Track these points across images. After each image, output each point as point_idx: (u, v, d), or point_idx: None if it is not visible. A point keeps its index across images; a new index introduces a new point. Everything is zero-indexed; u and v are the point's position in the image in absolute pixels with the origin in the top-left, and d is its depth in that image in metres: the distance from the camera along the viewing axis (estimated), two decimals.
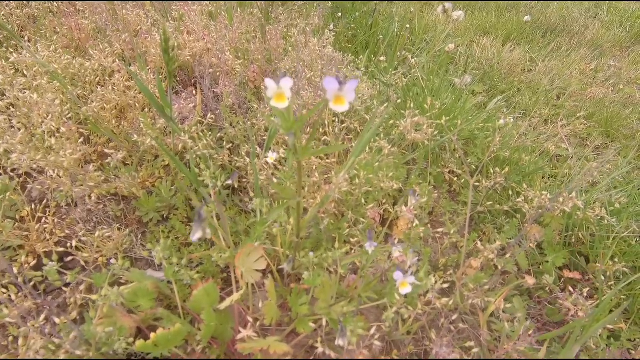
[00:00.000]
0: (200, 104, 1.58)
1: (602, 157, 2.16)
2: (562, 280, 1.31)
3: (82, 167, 1.44)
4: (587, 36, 3.99)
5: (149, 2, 2.14)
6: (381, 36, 2.71)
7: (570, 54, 3.55)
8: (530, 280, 1.29)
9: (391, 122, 1.50)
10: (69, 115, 1.29)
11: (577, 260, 1.35)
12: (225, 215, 1.02)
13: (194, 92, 1.95)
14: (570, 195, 1.27)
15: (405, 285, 0.72)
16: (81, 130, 1.49)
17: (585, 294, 1.03)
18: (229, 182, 0.94)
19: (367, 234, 0.79)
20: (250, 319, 0.85)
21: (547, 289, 1.22)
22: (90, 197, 1.23)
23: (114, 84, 1.55)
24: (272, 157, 1.09)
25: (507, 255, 1.08)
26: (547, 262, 1.31)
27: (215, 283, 0.89)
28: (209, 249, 1.12)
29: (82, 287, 0.91)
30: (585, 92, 2.92)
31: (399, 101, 1.65)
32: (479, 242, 1.10)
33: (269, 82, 0.60)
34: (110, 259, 1.21)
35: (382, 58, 2.27)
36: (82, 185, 1.18)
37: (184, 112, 1.54)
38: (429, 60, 2.79)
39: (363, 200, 1.20)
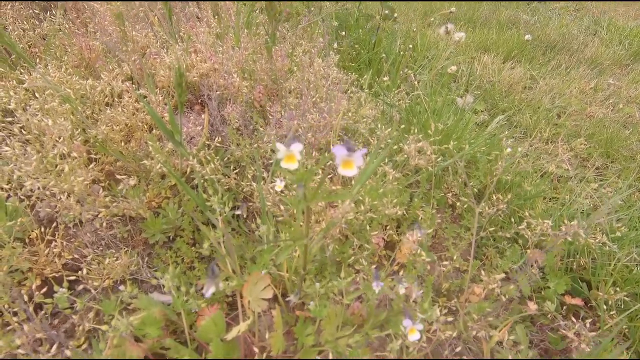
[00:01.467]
0: (207, 126, 1.61)
1: (602, 179, 2.18)
2: (564, 307, 1.32)
3: (90, 187, 1.46)
4: (587, 54, 4.05)
5: (157, 21, 2.19)
6: (384, 54, 2.76)
7: (570, 72, 3.60)
8: (532, 307, 1.30)
9: (395, 146, 1.52)
10: (79, 138, 1.31)
11: (579, 287, 1.36)
12: (232, 243, 1.04)
13: (201, 111, 1.98)
14: (572, 224, 1.28)
15: (413, 332, 0.73)
16: (90, 150, 1.51)
17: (587, 325, 1.04)
18: (238, 212, 0.96)
19: (374, 273, 0.80)
20: (257, 349, 0.86)
21: (549, 316, 1.23)
22: (98, 218, 1.25)
23: (123, 105, 1.58)
24: (279, 185, 1.11)
25: (512, 286, 1.09)
26: (549, 288, 1.32)
27: (221, 311, 0.90)
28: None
29: (90, 315, 0.92)
30: (585, 112, 2.95)
31: (403, 126, 1.68)
32: (482, 271, 1.11)
33: (279, 146, 0.63)
34: (118, 281, 1.23)
35: (385, 78, 2.31)
36: (90, 210, 1.20)
37: (192, 132, 1.56)
38: (430, 78, 2.83)
39: (367, 226, 1.22)
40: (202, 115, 1.72)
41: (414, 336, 0.73)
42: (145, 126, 1.59)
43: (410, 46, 2.87)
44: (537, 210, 1.67)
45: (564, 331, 1.08)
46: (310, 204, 0.69)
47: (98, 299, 1.10)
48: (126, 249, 1.34)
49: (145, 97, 1.55)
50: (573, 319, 1.07)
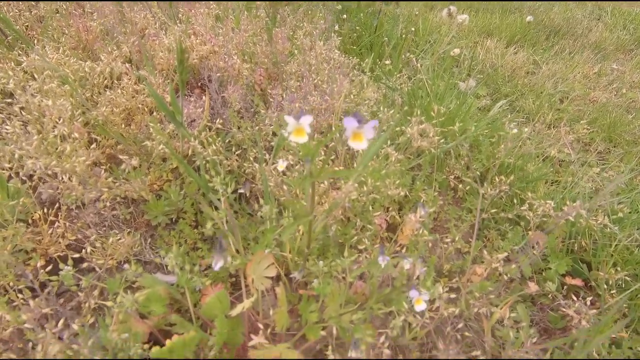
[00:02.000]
0: (208, 108, 1.59)
1: (604, 163, 2.17)
2: (565, 287, 1.33)
3: (92, 169, 1.46)
4: (591, 39, 4.00)
5: (155, 3, 2.15)
6: (386, 38, 2.72)
7: (574, 56, 3.56)
8: (533, 287, 1.31)
9: (397, 128, 1.52)
10: (79, 119, 1.30)
11: (579, 268, 1.37)
12: (236, 222, 1.04)
13: (201, 94, 1.96)
14: (574, 204, 1.28)
15: (420, 302, 0.74)
16: (90, 132, 1.50)
17: (588, 302, 1.05)
18: (241, 190, 0.96)
19: (380, 249, 0.81)
20: (261, 325, 0.87)
21: (550, 296, 1.24)
22: (101, 200, 1.25)
23: (123, 87, 1.56)
24: (281, 165, 1.11)
25: (513, 266, 1.10)
26: (550, 268, 1.33)
27: (225, 289, 0.91)
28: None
29: (95, 292, 0.93)
30: (589, 96, 2.93)
31: (405, 108, 1.67)
32: (484, 251, 1.12)
33: (288, 118, 0.61)
34: (122, 261, 1.23)
35: (387, 62, 2.28)
36: (92, 190, 1.20)
37: (193, 115, 1.55)
38: (433, 62, 2.80)
39: (370, 207, 1.22)
40: (203, 98, 1.70)
41: (420, 306, 0.74)
42: (145, 109, 1.58)
43: (412, 29, 2.83)
44: (538, 193, 1.67)
45: (564, 310, 1.09)
46: (317, 180, 0.68)
47: (103, 278, 1.11)
48: (129, 230, 1.35)
49: (144, 79, 1.54)
50: (574, 297, 1.08)
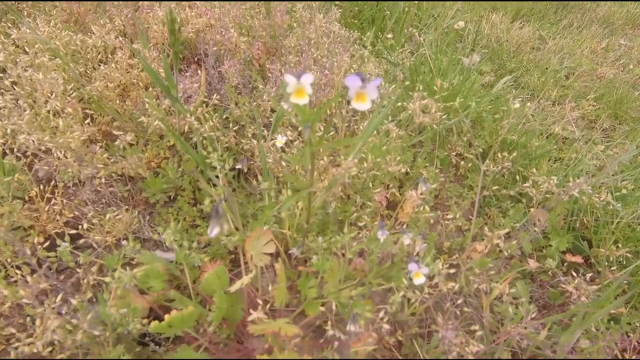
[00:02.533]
0: (205, 83, 1.55)
1: (609, 141, 2.14)
2: (565, 264, 1.33)
3: (88, 146, 1.44)
4: (599, 13, 3.87)
5: None
6: (388, 12, 2.63)
7: (582, 31, 3.46)
8: (533, 264, 1.31)
9: (399, 104, 1.48)
10: (73, 94, 1.27)
11: (580, 245, 1.36)
12: (234, 199, 1.02)
13: (198, 69, 1.91)
14: (578, 181, 1.27)
15: (419, 275, 0.73)
16: (85, 109, 1.47)
17: (587, 279, 1.04)
18: (239, 166, 0.94)
19: (379, 223, 0.79)
20: (260, 301, 0.87)
21: (550, 272, 1.24)
22: (98, 177, 1.23)
23: (117, 61, 1.52)
24: (280, 140, 1.09)
25: (514, 242, 1.09)
26: (551, 246, 1.32)
27: (224, 266, 0.90)
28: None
29: (94, 269, 0.92)
30: (595, 72, 2.86)
31: (407, 83, 1.62)
32: (485, 228, 1.11)
33: (288, 77, 0.58)
34: (120, 239, 1.23)
35: (389, 36, 2.21)
36: (88, 166, 1.18)
37: (189, 91, 1.51)
38: (436, 37, 2.72)
39: (370, 184, 1.20)
40: (199, 73, 1.66)
41: (419, 280, 0.73)
42: (140, 84, 1.54)
43: (416, 2, 2.73)
44: (541, 171, 1.64)
45: (563, 286, 1.09)
46: (317, 149, 0.66)
47: (101, 255, 1.10)
48: (127, 207, 1.34)
49: (138, 53, 1.49)
50: (573, 273, 1.07)
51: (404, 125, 1.46)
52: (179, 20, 1.75)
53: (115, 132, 1.52)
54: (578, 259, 1.33)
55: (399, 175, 1.30)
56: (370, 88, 0.56)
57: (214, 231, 0.69)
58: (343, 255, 0.96)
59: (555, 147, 1.84)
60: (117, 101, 1.47)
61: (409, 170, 1.34)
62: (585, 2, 4.08)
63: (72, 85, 1.24)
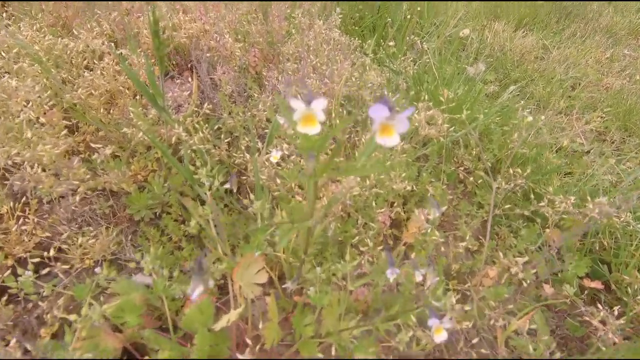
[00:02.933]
0: (197, 92, 1.46)
1: (620, 154, 2.05)
2: (583, 291, 1.23)
3: (69, 158, 1.34)
4: (602, 22, 3.82)
5: None
6: (389, 19, 2.56)
7: (585, 40, 3.40)
8: (548, 290, 1.20)
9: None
10: (50, 102, 1.17)
11: (599, 269, 1.26)
12: (222, 222, 0.92)
13: (190, 76, 1.82)
14: (598, 200, 1.17)
15: (440, 332, 0.61)
16: (68, 118, 1.38)
17: (615, 313, 0.94)
18: (227, 186, 0.84)
19: (388, 258, 0.69)
20: (249, 341, 0.76)
21: (569, 300, 1.14)
22: (78, 193, 1.13)
23: (103, 68, 1.42)
24: (275, 156, 0.99)
25: (531, 270, 0.99)
26: (568, 270, 1.22)
27: (209, 299, 0.80)
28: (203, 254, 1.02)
29: (60, 302, 0.81)
30: (602, 83, 2.79)
31: (412, 93, 1.53)
32: (500, 253, 1.01)
33: (296, 103, 0.48)
34: (98, 261, 1.12)
35: (391, 43, 2.13)
36: (64, 182, 1.08)
37: (179, 99, 1.42)
38: (439, 45, 2.64)
39: (373, 202, 1.10)
40: (192, 82, 1.56)
41: (440, 337, 0.61)
42: (128, 91, 1.44)
43: (419, 9, 2.67)
44: (553, 186, 1.55)
45: (586, 318, 0.99)
46: (319, 179, 0.56)
47: (73, 283, 1.00)
48: (108, 225, 1.23)
49: (126, 59, 1.40)
50: (598, 305, 0.97)
51: (408, 137, 1.37)
52: (168, 22, 1.66)
53: (98, 143, 1.42)
54: (598, 285, 1.23)
55: (404, 192, 1.20)
56: (400, 119, 0.46)
57: (196, 291, 0.59)
58: (344, 286, 0.86)
59: (566, 160, 1.75)
60: (102, 110, 1.37)
61: (414, 187, 1.24)
62: (588, 12, 4.03)
63: (49, 92, 1.14)
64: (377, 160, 1.09)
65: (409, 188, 1.11)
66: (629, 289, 1.13)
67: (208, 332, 0.76)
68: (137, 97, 1.45)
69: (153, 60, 1.54)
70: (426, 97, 1.32)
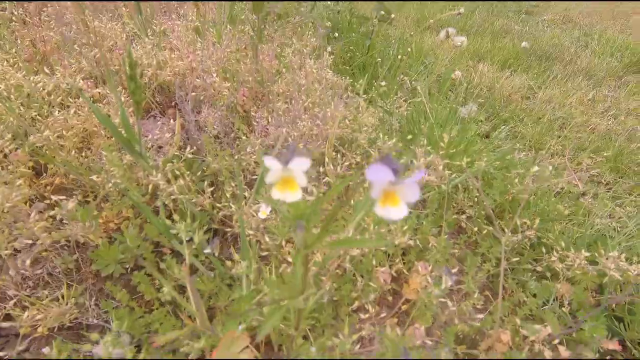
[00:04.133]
0: (180, 132, 1.36)
1: (614, 196, 2.02)
2: (600, 351, 1.12)
3: (30, 205, 1.20)
4: (580, 65, 3.97)
5: (127, 15, 1.94)
6: (379, 59, 2.57)
7: (567, 82, 3.49)
8: (564, 354, 1.09)
9: (401, 161, 1.31)
10: (11, 146, 1.05)
11: (614, 326, 1.16)
12: (198, 293, 0.79)
13: (174, 115, 1.73)
14: (610, 254, 1.09)
15: None
16: (37, 161, 1.25)
17: None
18: (207, 251, 0.72)
19: (403, 353, 0.58)
20: None
21: None
22: (34, 247, 0.98)
23: (78, 106, 1.32)
24: (264, 211, 0.88)
25: (555, 341, 0.88)
26: (583, 330, 1.12)
27: None
28: (177, 322, 0.88)
29: None
30: (588, 124, 2.83)
31: (408, 137, 1.47)
32: (517, 320, 0.90)
33: (270, 161, 0.39)
34: (54, 329, 0.96)
35: (382, 83, 2.11)
36: (21, 235, 0.94)
37: (160, 141, 1.31)
38: (429, 85, 2.65)
39: (373, 261, 0.99)
40: (174, 122, 1.47)
41: None
42: (103, 132, 1.34)
43: (409, 49, 2.70)
44: (554, 232, 1.48)
45: None
46: (311, 250, 0.46)
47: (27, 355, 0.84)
48: (70, 283, 1.08)
49: (99, 100, 1.30)
50: None
51: None
52: (155, 63, 1.59)
53: (70, 186, 1.29)
54: (616, 346, 1.13)
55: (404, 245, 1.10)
56: (408, 186, 0.37)
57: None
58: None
59: (565, 205, 1.69)
60: (74, 152, 1.25)
61: (414, 238, 1.14)
62: (566, 56, 4.20)
63: (9, 136, 1.02)
64: (379, 234, 0.99)
65: (411, 243, 1.01)
66: None
67: None
68: (114, 138, 1.35)
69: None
70: (424, 142, 1.25)
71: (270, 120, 1.46)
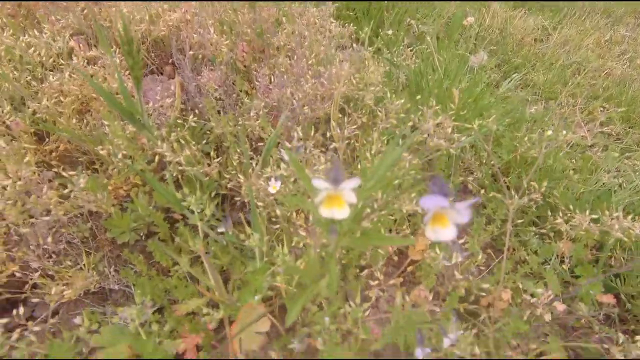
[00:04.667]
0: (180, 96, 1.32)
1: (622, 147, 1.99)
2: (596, 305, 1.18)
3: (39, 175, 1.20)
4: (599, 3, 3.70)
5: None
6: (385, 2, 2.39)
7: (585, 20, 3.28)
8: (560, 308, 1.15)
9: (410, 123, 1.28)
10: (11, 118, 1.03)
11: (610, 282, 1.22)
12: (214, 268, 0.82)
13: (172, 73, 1.66)
14: (616, 215, 1.11)
15: None
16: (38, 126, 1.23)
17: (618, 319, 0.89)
18: (221, 230, 0.74)
19: (417, 337, 0.61)
20: None
21: (583, 321, 1.09)
22: (50, 219, 1.00)
23: (73, 69, 1.26)
24: (274, 186, 0.88)
25: (555, 303, 0.93)
26: (581, 286, 1.17)
27: (207, 339, 0.71)
28: (194, 288, 0.93)
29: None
30: (603, 68, 2.71)
31: (417, 97, 1.41)
32: (519, 284, 0.94)
33: (318, 182, 0.38)
34: (81, 294, 1.02)
35: (389, 31, 1.99)
36: (35, 208, 0.95)
37: (161, 109, 1.27)
38: (437, 30, 2.50)
39: (381, 229, 1.01)
40: (172, 82, 1.41)
41: None
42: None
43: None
44: (559, 190, 1.48)
45: (605, 346, 0.94)
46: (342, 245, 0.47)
47: (50, 330, 0.90)
48: (88, 251, 1.12)
49: (89, 76, 1.24)
50: (620, 335, 0.92)
51: (414, 145, 1.27)
52: (147, 18, 1.49)
53: (73, 157, 1.29)
54: (610, 299, 1.19)
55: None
56: (459, 210, 0.37)
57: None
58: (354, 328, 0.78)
59: (573, 160, 1.68)
60: (75, 118, 1.23)
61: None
62: None
63: (9, 108, 0.99)
64: (385, 181, 0.99)
65: (417, 209, 1.02)
66: None
67: None
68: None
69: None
70: (434, 102, 1.21)
71: (272, 79, 1.40)
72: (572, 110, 2.20)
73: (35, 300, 0.91)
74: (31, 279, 0.91)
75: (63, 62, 1.30)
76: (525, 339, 0.87)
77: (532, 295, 0.93)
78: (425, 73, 1.77)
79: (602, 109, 2.21)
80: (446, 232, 0.38)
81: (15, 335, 0.68)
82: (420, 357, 0.56)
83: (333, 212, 0.40)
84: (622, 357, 0.90)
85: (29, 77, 1.25)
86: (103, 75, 1.28)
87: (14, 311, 0.73)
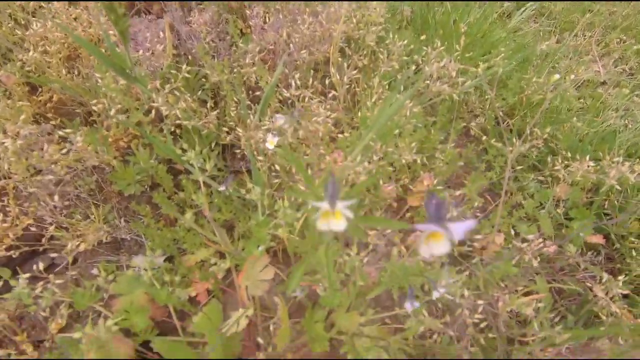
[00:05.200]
0: (171, 40, 1.25)
1: (636, 83, 1.91)
2: (583, 248, 1.24)
3: (40, 123, 1.20)
4: None
5: None
6: None
7: None
8: (551, 248, 1.21)
9: (413, 65, 1.22)
10: (1, 72, 1.00)
11: (602, 224, 1.26)
12: (219, 225, 0.85)
13: (160, 12, 1.56)
14: (616, 160, 1.11)
15: None
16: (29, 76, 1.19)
17: (618, 281, 0.95)
18: (222, 188, 0.75)
19: (409, 292, 0.65)
20: (261, 340, 0.76)
21: (572, 261, 1.15)
22: (53, 174, 1.02)
23: (55, 14, 1.19)
24: (272, 141, 0.88)
25: (552, 247, 0.97)
26: (572, 227, 1.22)
27: (217, 305, 0.78)
28: (203, 240, 0.98)
29: (63, 311, 0.79)
30: None
31: (423, 37, 1.32)
32: (512, 231, 0.98)
33: (319, 204, 0.39)
34: (95, 244, 1.08)
35: None
36: (39, 163, 0.97)
37: (153, 47, 1.22)
38: None
39: (380, 181, 1.03)
40: (160, 22, 1.33)
41: None
42: (92, 40, 1.23)
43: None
44: (563, 131, 1.46)
45: (587, 284, 1.01)
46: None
47: (71, 279, 0.96)
48: (96, 202, 1.16)
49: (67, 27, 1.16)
50: (606, 277, 0.98)
51: (417, 87, 1.23)
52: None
53: (68, 105, 1.27)
54: (599, 239, 1.24)
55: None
56: (453, 230, 0.37)
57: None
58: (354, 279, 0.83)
59: (582, 98, 1.63)
60: (64, 70, 1.18)
61: (424, 158, 1.14)
62: None
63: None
64: (385, 130, 0.98)
65: (417, 159, 1.03)
66: (633, 253, 1.14)
67: (218, 335, 0.76)
68: (103, 49, 1.25)
69: None
70: (438, 44, 1.14)
71: (267, 18, 1.32)
72: (588, 42, 2.07)
73: (53, 255, 0.97)
74: (47, 231, 0.95)
75: (44, 5, 1.22)
76: (514, 280, 0.93)
77: (524, 241, 0.97)
78: (432, 6, 1.64)
79: (618, 40, 2.08)
80: (440, 247, 0.40)
81: (39, 286, 0.74)
82: (410, 310, 0.62)
83: (330, 224, 0.42)
84: (603, 295, 0.96)
85: (11, 24, 1.19)
86: (87, 19, 1.21)
87: (34, 266, 0.78)
